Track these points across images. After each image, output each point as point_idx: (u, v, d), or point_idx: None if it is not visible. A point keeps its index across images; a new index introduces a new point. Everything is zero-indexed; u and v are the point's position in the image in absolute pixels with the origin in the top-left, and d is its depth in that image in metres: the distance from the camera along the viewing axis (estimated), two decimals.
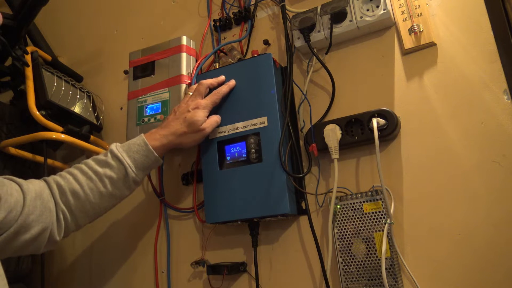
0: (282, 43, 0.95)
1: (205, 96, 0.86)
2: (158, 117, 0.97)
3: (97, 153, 1.07)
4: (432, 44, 0.79)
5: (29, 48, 1.05)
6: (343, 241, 0.76)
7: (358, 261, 0.74)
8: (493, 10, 0.74)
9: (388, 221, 0.73)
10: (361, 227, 0.75)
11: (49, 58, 1.13)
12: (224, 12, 1.05)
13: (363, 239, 0.75)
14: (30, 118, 0.97)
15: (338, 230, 0.77)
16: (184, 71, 0.98)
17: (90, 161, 0.80)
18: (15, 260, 1.00)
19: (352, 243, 0.75)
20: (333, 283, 0.79)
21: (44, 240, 0.73)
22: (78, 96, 1.12)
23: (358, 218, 0.76)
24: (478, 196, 0.71)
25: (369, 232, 0.74)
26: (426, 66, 0.79)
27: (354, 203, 0.76)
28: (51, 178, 0.77)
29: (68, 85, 1.10)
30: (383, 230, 0.73)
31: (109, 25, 1.26)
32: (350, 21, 0.83)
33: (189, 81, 0.98)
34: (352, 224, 0.76)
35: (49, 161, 1.05)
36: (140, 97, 1.01)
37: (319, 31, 0.86)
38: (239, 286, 0.89)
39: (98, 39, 1.27)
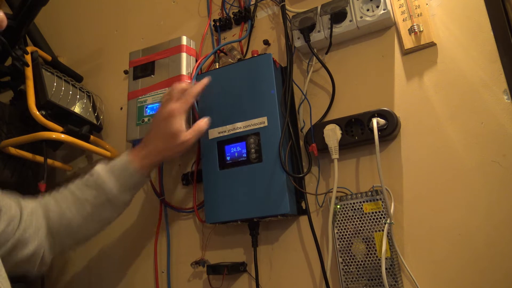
0: (282, 43, 0.95)
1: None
2: None
3: (97, 153, 1.08)
4: (432, 44, 0.79)
5: (29, 48, 1.05)
6: (343, 241, 0.76)
7: (358, 261, 0.74)
8: (493, 10, 0.74)
9: (388, 221, 0.73)
10: (361, 227, 0.75)
11: (49, 58, 1.13)
12: (224, 12, 1.05)
13: (363, 239, 0.75)
14: (30, 118, 0.97)
15: (338, 230, 0.77)
16: (184, 71, 0.98)
17: (74, 183, 0.76)
18: None
19: (352, 243, 0.75)
20: (333, 283, 0.79)
21: (38, 258, 0.71)
22: (78, 96, 1.12)
23: (358, 218, 0.76)
24: (478, 196, 0.71)
25: (369, 232, 0.74)
26: (426, 66, 0.79)
27: (354, 203, 0.76)
28: (41, 199, 0.75)
29: (68, 85, 1.10)
30: (383, 230, 0.73)
31: (109, 25, 1.26)
32: (350, 21, 0.83)
33: (189, 81, 0.98)
34: (352, 224, 0.76)
35: (49, 161, 1.04)
36: (140, 97, 1.01)
37: (319, 31, 0.86)
38: (239, 286, 0.89)
39: (98, 39, 1.27)
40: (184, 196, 1.00)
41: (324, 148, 0.80)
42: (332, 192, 0.78)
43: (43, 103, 0.99)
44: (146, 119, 0.98)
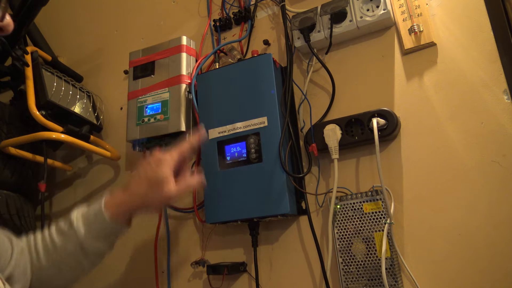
0: (282, 43, 0.95)
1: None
2: (158, 117, 0.97)
3: (97, 153, 1.08)
4: (432, 44, 0.79)
5: (29, 48, 1.05)
6: (343, 241, 0.76)
7: (358, 261, 0.74)
8: (493, 10, 0.74)
9: (388, 221, 0.73)
10: (361, 227, 0.75)
11: (49, 58, 1.13)
12: (224, 12, 1.05)
13: (363, 239, 0.75)
14: (30, 118, 0.97)
15: (338, 230, 0.77)
16: (184, 71, 0.98)
17: (53, 226, 0.71)
18: None
19: (352, 243, 0.75)
20: (333, 283, 0.79)
21: None
22: (78, 96, 1.12)
23: (358, 218, 0.76)
24: (478, 196, 0.71)
25: (369, 232, 0.74)
26: (426, 66, 0.79)
27: (354, 203, 0.76)
28: (30, 239, 0.71)
29: (68, 85, 1.10)
30: (383, 230, 0.73)
31: (109, 25, 1.26)
32: (350, 21, 0.83)
33: (189, 81, 0.98)
34: (352, 224, 0.76)
35: (49, 161, 1.05)
36: (140, 97, 1.01)
37: (319, 31, 0.86)
38: (239, 286, 0.89)
39: (98, 39, 1.27)
40: (184, 196, 1.00)
41: (324, 148, 0.80)
42: (332, 192, 0.78)
43: (43, 103, 0.99)
44: (146, 119, 0.98)
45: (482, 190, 0.71)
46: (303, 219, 0.85)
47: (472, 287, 0.69)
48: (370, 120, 0.76)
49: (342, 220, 0.77)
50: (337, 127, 0.80)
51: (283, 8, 0.91)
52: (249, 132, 0.84)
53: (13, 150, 0.99)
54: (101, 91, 1.20)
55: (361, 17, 0.82)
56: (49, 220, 1.21)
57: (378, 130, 0.74)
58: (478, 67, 0.75)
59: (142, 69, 1.03)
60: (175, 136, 0.97)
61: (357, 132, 0.79)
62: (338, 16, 0.84)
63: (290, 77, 0.86)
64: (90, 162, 1.19)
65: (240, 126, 0.85)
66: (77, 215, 0.70)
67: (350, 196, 0.78)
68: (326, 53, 0.87)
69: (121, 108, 1.16)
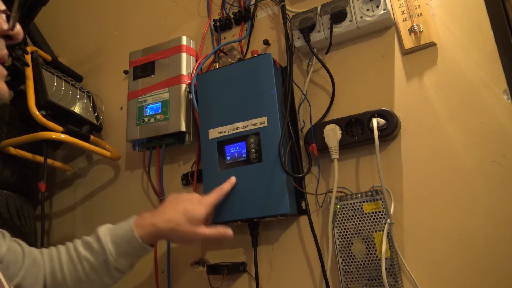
0: (282, 43, 0.95)
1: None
2: (158, 117, 0.97)
3: (97, 153, 1.08)
4: (432, 44, 0.79)
5: (29, 48, 1.05)
6: (343, 241, 0.76)
7: (358, 261, 0.74)
8: (493, 10, 0.74)
9: (388, 221, 0.73)
10: (361, 227, 0.75)
11: (49, 58, 1.13)
12: (224, 12, 1.05)
13: (363, 239, 0.75)
14: (30, 118, 0.97)
15: (338, 230, 0.77)
16: (184, 71, 0.98)
17: (78, 240, 0.72)
18: None
19: (352, 243, 0.75)
20: (333, 283, 0.79)
21: None
22: (78, 96, 1.12)
23: (358, 218, 0.76)
24: (478, 196, 0.71)
25: (369, 232, 0.74)
26: (426, 66, 0.79)
27: (354, 203, 0.76)
28: (52, 250, 0.72)
29: (68, 85, 1.10)
30: (383, 230, 0.73)
31: (109, 25, 1.26)
32: (350, 21, 0.83)
33: (189, 81, 0.98)
34: (352, 224, 0.76)
35: (49, 161, 1.05)
36: (140, 97, 1.01)
37: (319, 31, 0.85)
38: (239, 286, 0.89)
39: (98, 39, 1.27)
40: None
41: (324, 148, 0.80)
42: (332, 192, 0.78)
43: (43, 103, 0.99)
44: (146, 119, 0.98)
45: (482, 190, 0.71)
46: (303, 219, 0.85)
47: (472, 287, 0.69)
48: (370, 120, 0.76)
49: (342, 220, 0.77)
50: (337, 127, 0.80)
51: (283, 8, 0.91)
52: (249, 132, 0.84)
53: (13, 150, 0.99)
54: (101, 91, 1.20)
55: (361, 17, 0.82)
56: (49, 220, 1.21)
57: (378, 130, 0.74)
58: (478, 67, 0.75)
59: (142, 69, 1.03)
60: (175, 136, 0.97)
61: (357, 132, 0.79)
62: (338, 16, 0.84)
63: (290, 77, 0.86)
64: (90, 162, 1.19)
65: (240, 126, 0.85)
66: (105, 231, 0.71)
67: (350, 196, 0.78)
68: (326, 53, 0.87)
69: (121, 108, 1.16)
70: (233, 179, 0.82)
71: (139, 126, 0.99)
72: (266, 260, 0.87)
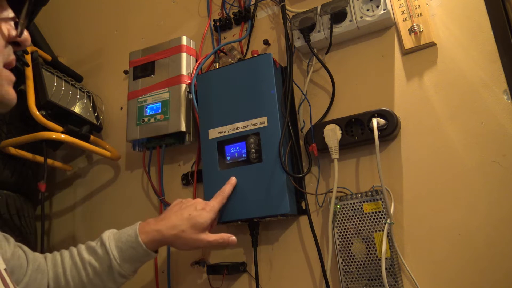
0: (282, 43, 0.95)
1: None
2: (158, 117, 0.97)
3: (97, 153, 1.08)
4: (432, 44, 0.79)
5: (29, 48, 1.05)
6: (343, 241, 0.76)
7: (358, 261, 0.74)
8: (493, 10, 0.74)
9: (388, 221, 0.73)
10: (361, 227, 0.75)
11: (49, 58, 1.13)
12: (224, 12, 1.05)
13: (363, 239, 0.75)
14: (30, 118, 0.97)
15: (338, 230, 0.77)
16: (184, 71, 0.98)
17: (82, 245, 0.73)
18: None
19: (352, 243, 0.75)
20: (333, 283, 0.79)
21: None
22: (78, 96, 1.12)
23: (358, 218, 0.76)
24: (478, 196, 0.71)
25: (369, 232, 0.74)
26: (426, 66, 0.79)
27: (354, 203, 0.76)
28: (55, 255, 0.72)
29: (68, 85, 1.10)
30: (383, 230, 0.73)
31: (109, 25, 1.26)
32: (350, 21, 0.83)
33: (189, 81, 0.98)
34: (352, 224, 0.76)
35: (49, 161, 1.05)
36: (140, 97, 1.01)
37: (319, 31, 0.86)
38: (239, 286, 0.89)
39: (98, 39, 1.27)
40: (184, 196, 1.00)
41: (324, 148, 0.80)
42: (332, 192, 0.78)
43: (43, 103, 0.99)
44: (146, 119, 0.98)
45: (482, 190, 0.71)
46: (303, 219, 0.85)
47: (472, 287, 0.69)
48: (370, 120, 0.76)
49: (342, 220, 0.77)
50: (337, 127, 0.80)
51: (283, 8, 0.91)
52: (249, 132, 0.84)
53: (13, 150, 0.99)
54: (101, 91, 1.20)
55: (361, 17, 0.82)
56: (49, 220, 1.21)
57: (378, 130, 0.74)
58: (478, 67, 0.75)
59: (142, 69, 1.03)
60: (175, 136, 0.97)
61: (357, 132, 0.79)
62: (338, 16, 0.84)
63: (290, 77, 0.86)
64: (90, 162, 1.19)
65: (240, 126, 0.85)
66: (109, 236, 0.71)
67: (350, 196, 0.78)
68: (326, 53, 0.87)
69: (121, 108, 1.16)
70: (233, 180, 0.82)
71: (139, 126, 0.99)
72: (266, 260, 0.87)
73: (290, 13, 0.91)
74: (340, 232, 0.77)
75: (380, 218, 0.74)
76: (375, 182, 0.79)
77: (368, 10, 0.82)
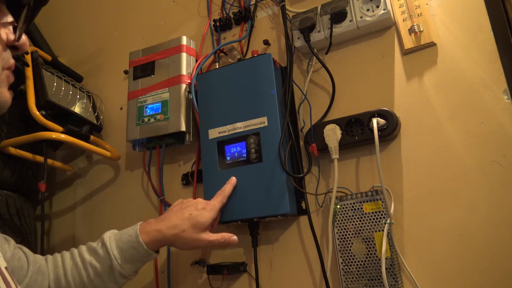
0: (282, 43, 0.95)
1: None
2: (158, 117, 0.97)
3: (97, 153, 1.08)
4: (432, 44, 0.79)
5: (29, 48, 1.05)
6: (343, 241, 0.76)
7: (358, 261, 0.74)
8: (493, 10, 0.74)
9: (388, 221, 0.73)
10: (361, 227, 0.75)
11: (49, 58, 1.13)
12: (224, 12, 1.05)
13: (363, 239, 0.75)
14: (30, 118, 0.97)
15: (338, 230, 0.77)
16: (184, 71, 0.98)
17: (83, 246, 0.73)
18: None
19: (352, 243, 0.75)
20: (333, 283, 0.79)
21: None
22: (78, 96, 1.12)
23: (358, 218, 0.76)
24: (478, 196, 0.71)
25: (369, 232, 0.74)
26: (426, 66, 0.79)
27: (354, 203, 0.76)
28: (56, 257, 0.72)
29: (68, 85, 1.10)
30: (383, 230, 0.73)
31: (109, 25, 1.26)
32: (350, 21, 0.83)
33: (189, 81, 0.98)
34: (352, 224, 0.76)
35: (49, 161, 1.05)
36: (140, 97, 1.01)
37: (319, 31, 0.85)
38: (239, 286, 0.89)
39: (98, 39, 1.27)
40: (184, 196, 1.00)
41: (324, 148, 0.80)
42: (332, 192, 0.78)
43: (43, 103, 0.99)
44: (146, 119, 0.98)
45: (482, 190, 0.71)
46: (303, 219, 0.85)
47: (472, 287, 0.69)
48: (370, 120, 0.76)
49: (342, 220, 0.77)
50: (337, 127, 0.80)
51: (283, 8, 0.91)
52: (249, 132, 0.84)
53: (13, 150, 0.99)
54: (101, 91, 1.20)
55: (361, 17, 0.82)
56: (49, 220, 1.21)
57: (378, 130, 0.74)
58: (478, 67, 0.75)
59: (142, 69, 1.03)
60: (175, 136, 0.97)
61: (357, 132, 0.79)
62: (338, 16, 0.84)
63: (290, 77, 0.86)
64: (90, 162, 1.19)
65: (240, 126, 0.85)
66: (110, 236, 0.71)
67: (350, 196, 0.78)
68: (326, 53, 0.87)
69: (121, 108, 1.16)
70: (233, 180, 0.82)
71: (139, 126, 0.99)
72: (266, 260, 0.87)
73: (290, 13, 0.91)
74: (340, 232, 0.77)
75: (380, 218, 0.74)
76: (375, 182, 0.79)
77: (368, 10, 0.82)
